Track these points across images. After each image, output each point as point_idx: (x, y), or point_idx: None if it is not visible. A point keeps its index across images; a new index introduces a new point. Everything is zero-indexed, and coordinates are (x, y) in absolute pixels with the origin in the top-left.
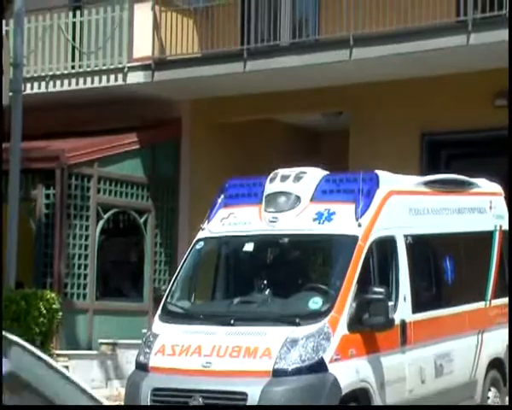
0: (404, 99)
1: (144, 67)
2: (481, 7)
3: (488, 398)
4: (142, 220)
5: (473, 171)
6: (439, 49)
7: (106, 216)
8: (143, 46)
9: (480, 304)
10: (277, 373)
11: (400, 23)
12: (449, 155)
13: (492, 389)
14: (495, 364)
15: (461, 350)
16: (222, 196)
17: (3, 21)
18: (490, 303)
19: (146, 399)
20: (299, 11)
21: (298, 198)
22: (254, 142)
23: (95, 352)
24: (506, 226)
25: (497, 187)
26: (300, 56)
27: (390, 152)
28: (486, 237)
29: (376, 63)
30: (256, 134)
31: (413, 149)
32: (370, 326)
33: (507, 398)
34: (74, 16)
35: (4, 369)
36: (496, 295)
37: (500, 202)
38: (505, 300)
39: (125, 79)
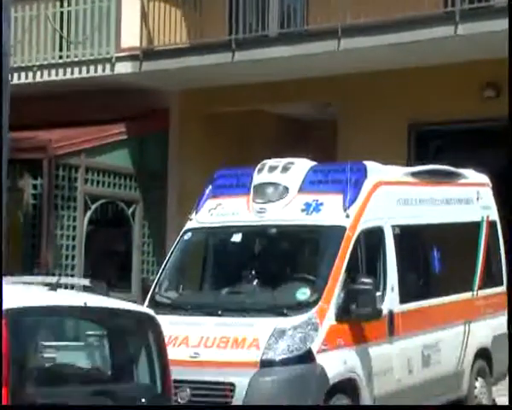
0: (392, 90)
1: (132, 57)
2: None
3: (475, 388)
4: (130, 211)
5: (461, 162)
6: (427, 40)
7: (93, 207)
8: (131, 36)
9: (467, 294)
10: (265, 364)
11: (388, 13)
12: (437, 146)
13: (479, 379)
14: (482, 354)
15: (448, 340)
16: (210, 187)
17: None
18: (477, 294)
19: None
20: (288, 1)
21: (286, 189)
22: (243, 132)
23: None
24: (493, 217)
25: (484, 178)
26: (289, 47)
27: (378, 143)
28: (474, 227)
29: (364, 54)
30: (244, 125)
31: (401, 140)
32: (358, 317)
33: (494, 388)
34: (62, 6)
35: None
36: (483, 286)
37: (487, 193)
38: (492, 290)
39: (112, 70)
